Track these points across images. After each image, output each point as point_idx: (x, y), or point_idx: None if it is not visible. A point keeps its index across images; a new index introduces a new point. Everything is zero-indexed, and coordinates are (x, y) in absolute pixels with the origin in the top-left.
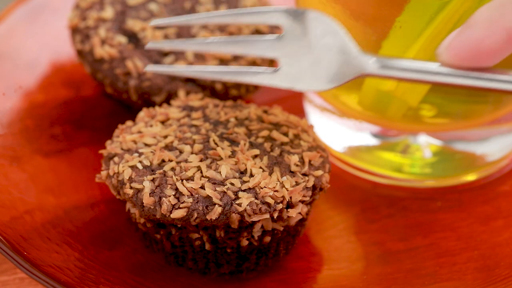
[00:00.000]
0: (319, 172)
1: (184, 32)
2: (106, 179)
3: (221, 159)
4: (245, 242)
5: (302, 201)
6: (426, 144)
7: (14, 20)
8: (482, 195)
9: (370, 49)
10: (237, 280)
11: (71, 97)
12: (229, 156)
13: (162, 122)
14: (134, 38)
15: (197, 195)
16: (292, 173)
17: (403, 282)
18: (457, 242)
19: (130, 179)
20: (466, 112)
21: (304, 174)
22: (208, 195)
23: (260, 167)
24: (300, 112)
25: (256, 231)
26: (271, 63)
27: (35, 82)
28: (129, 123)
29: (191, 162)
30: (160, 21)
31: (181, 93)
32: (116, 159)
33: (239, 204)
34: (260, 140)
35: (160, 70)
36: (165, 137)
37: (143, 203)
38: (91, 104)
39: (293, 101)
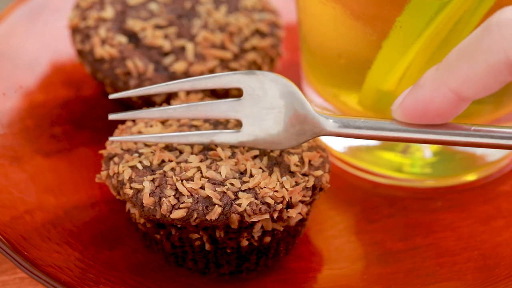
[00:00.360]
0: (319, 172)
1: (184, 32)
2: (106, 179)
3: (221, 159)
4: (245, 243)
5: (302, 201)
6: (426, 144)
7: (14, 20)
8: (483, 195)
9: (370, 50)
10: (237, 280)
11: (71, 97)
12: (229, 157)
13: (162, 123)
14: (134, 38)
15: (197, 195)
16: (292, 173)
17: (403, 282)
18: (457, 242)
19: (130, 179)
20: (466, 112)
21: (304, 174)
22: (208, 195)
23: (260, 168)
24: None
25: (256, 232)
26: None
27: (35, 82)
28: (129, 123)
29: (191, 162)
30: (120, 94)
31: (181, 93)
32: (116, 159)
33: (239, 205)
34: None
35: (123, 139)
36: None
37: (143, 203)
38: (91, 104)
39: None
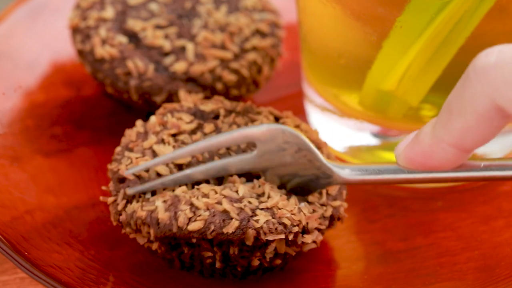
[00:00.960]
0: (337, 203)
1: (184, 32)
2: (111, 204)
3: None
4: (256, 262)
5: (319, 229)
6: None
7: (15, 20)
8: (483, 195)
9: (371, 50)
10: (237, 281)
11: (72, 97)
12: (245, 183)
13: (174, 136)
14: (134, 38)
15: (213, 210)
16: (310, 203)
17: (403, 282)
18: (457, 242)
19: (142, 206)
20: None
21: (322, 205)
22: (225, 209)
23: (278, 193)
24: (301, 112)
25: (269, 252)
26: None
27: (36, 82)
28: (139, 127)
29: (204, 187)
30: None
31: (182, 93)
32: (128, 190)
33: (257, 221)
34: None
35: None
36: (179, 166)
37: (158, 219)
38: (92, 104)
39: (294, 101)
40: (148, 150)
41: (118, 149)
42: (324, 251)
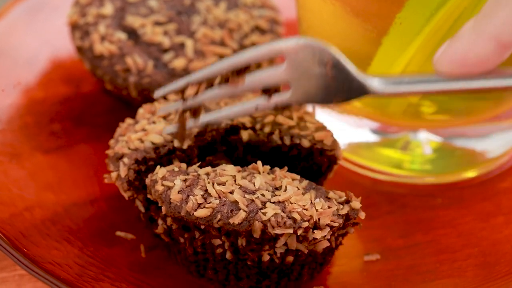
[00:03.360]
0: (356, 205)
1: (184, 28)
2: (116, 180)
3: (259, 173)
4: (266, 257)
5: (331, 226)
6: (426, 141)
7: (14, 16)
8: (483, 192)
9: (370, 46)
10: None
11: (71, 94)
12: (268, 173)
13: (164, 118)
14: (133, 35)
15: (224, 199)
16: (329, 199)
17: (403, 278)
18: (457, 238)
19: (163, 178)
20: (466, 108)
21: (341, 203)
22: (235, 200)
23: (297, 187)
24: None
25: (279, 247)
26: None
27: (35, 79)
28: (129, 120)
29: (227, 171)
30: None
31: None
32: (125, 159)
33: (264, 213)
34: (267, 128)
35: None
36: (172, 133)
37: (170, 199)
38: (91, 100)
39: None
40: (141, 132)
41: (111, 141)
42: None
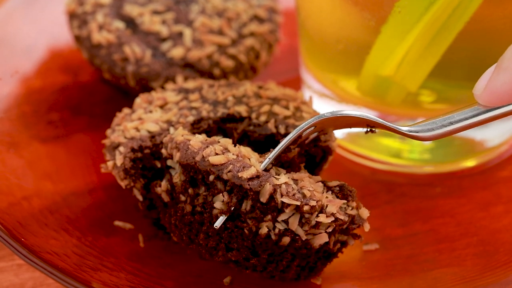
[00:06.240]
0: (365, 213)
1: (182, 17)
2: (113, 169)
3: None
4: (264, 230)
5: (336, 219)
6: None
7: (12, 5)
8: (482, 181)
9: (369, 35)
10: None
11: (69, 83)
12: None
13: (161, 107)
14: (131, 24)
15: (242, 158)
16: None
17: (402, 268)
18: (456, 228)
19: (183, 136)
20: (465, 97)
21: (351, 208)
22: (253, 162)
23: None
24: None
25: (280, 222)
26: (270, 47)
27: (33, 68)
28: (126, 110)
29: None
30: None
31: (179, 79)
32: (121, 148)
33: (277, 179)
34: (263, 117)
35: None
36: (168, 122)
37: (189, 146)
38: (89, 90)
39: (292, 87)
40: (137, 121)
41: (108, 130)
42: None
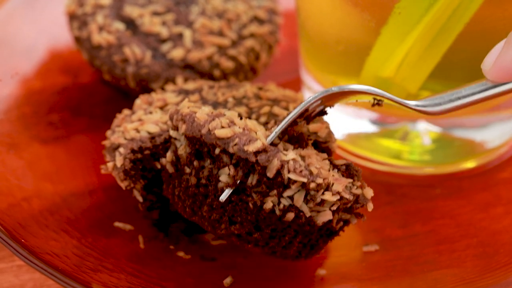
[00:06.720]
0: (369, 193)
1: (182, 19)
2: (113, 170)
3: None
4: (269, 204)
5: (341, 197)
6: (425, 131)
7: (12, 6)
8: (482, 182)
9: (369, 36)
10: (234, 267)
11: (69, 84)
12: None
13: (161, 108)
14: (131, 25)
15: (248, 131)
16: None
17: (402, 269)
18: (456, 229)
19: (189, 108)
20: None
21: (356, 191)
22: (259, 135)
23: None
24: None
25: (286, 197)
26: (270, 51)
27: (33, 69)
28: (126, 111)
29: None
30: None
31: (179, 80)
32: (121, 149)
33: (285, 155)
34: (263, 118)
35: None
36: (168, 123)
37: (195, 118)
38: (89, 91)
39: (292, 88)
40: (137, 122)
41: (108, 131)
42: None
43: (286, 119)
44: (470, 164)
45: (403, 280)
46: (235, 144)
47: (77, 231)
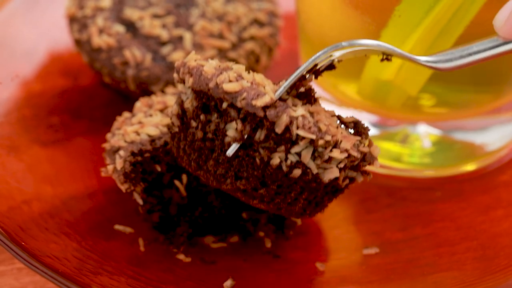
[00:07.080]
0: (376, 151)
1: (182, 21)
2: (113, 173)
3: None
4: (276, 160)
5: (349, 155)
6: (425, 134)
7: (12, 8)
8: (482, 185)
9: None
10: (234, 268)
11: (69, 87)
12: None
13: (161, 111)
14: (132, 27)
15: (256, 86)
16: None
17: (402, 272)
18: (456, 232)
19: (196, 61)
20: (465, 101)
21: (363, 148)
22: (267, 90)
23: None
24: None
25: (293, 152)
26: (270, 51)
27: (33, 71)
28: (126, 114)
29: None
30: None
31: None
32: (121, 152)
33: (294, 111)
34: None
35: None
36: (168, 126)
37: (202, 71)
38: (89, 93)
39: None
40: (137, 125)
41: (108, 134)
42: (322, 241)
43: (295, 74)
44: (470, 167)
45: (403, 283)
46: (243, 99)
47: (77, 234)
